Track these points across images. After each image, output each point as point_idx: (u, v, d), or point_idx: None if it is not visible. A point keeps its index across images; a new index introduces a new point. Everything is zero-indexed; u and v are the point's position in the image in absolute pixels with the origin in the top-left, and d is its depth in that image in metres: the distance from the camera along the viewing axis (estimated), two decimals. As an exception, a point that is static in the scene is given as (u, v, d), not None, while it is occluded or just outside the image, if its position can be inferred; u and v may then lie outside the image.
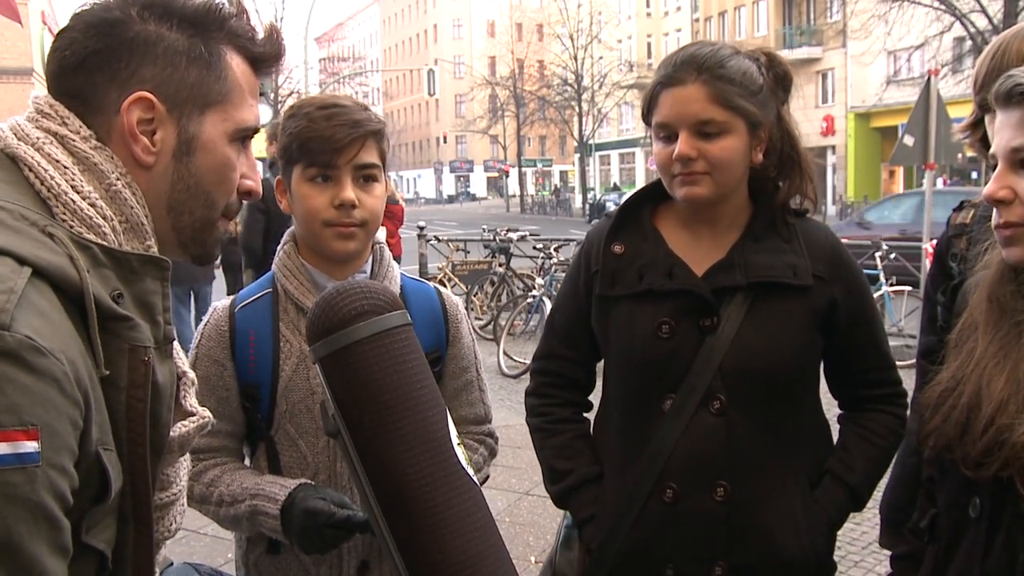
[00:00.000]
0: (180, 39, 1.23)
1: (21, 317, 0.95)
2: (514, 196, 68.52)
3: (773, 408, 2.05)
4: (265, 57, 1.34)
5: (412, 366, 1.26)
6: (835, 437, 2.23)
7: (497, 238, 13.78)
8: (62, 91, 1.21)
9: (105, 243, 1.14)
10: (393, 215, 13.42)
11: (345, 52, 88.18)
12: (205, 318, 2.14)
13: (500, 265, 13.42)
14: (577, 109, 55.87)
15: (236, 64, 1.29)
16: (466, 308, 12.99)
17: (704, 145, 1.96)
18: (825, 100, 44.71)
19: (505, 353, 10.66)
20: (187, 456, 1.37)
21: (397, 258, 11.17)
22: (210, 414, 1.34)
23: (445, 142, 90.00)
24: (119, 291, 1.11)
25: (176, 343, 1.34)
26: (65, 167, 1.15)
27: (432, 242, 14.52)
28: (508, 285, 13.12)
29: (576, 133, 57.10)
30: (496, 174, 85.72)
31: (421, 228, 14.68)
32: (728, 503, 2.00)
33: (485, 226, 16.00)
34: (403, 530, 1.23)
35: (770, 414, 2.05)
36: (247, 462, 2.17)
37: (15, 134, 1.17)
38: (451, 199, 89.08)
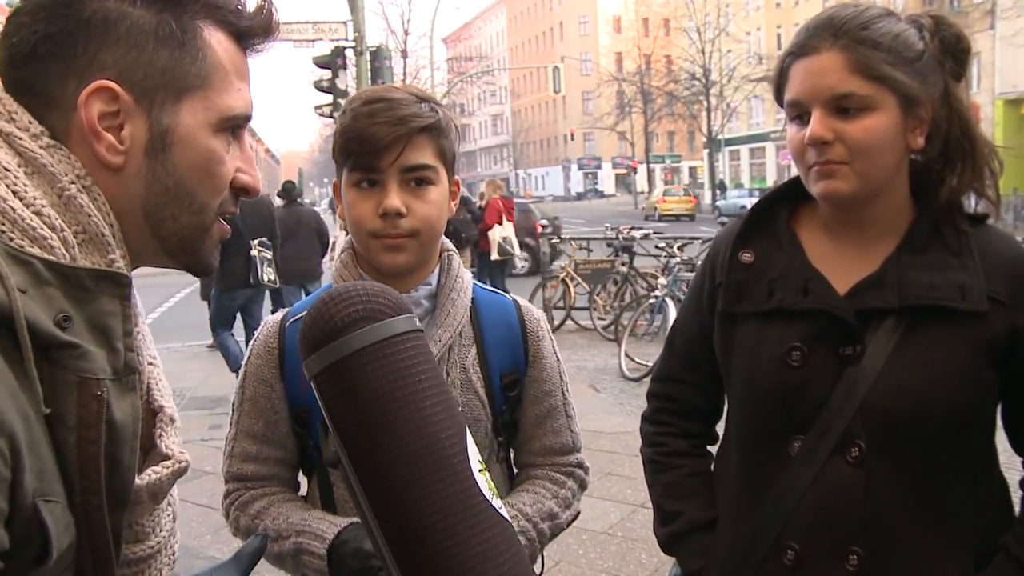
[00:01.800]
0: (146, 16, 1.05)
1: None
2: (643, 193, 67.93)
3: (928, 461, 1.64)
4: (253, 31, 1.16)
5: (420, 379, 1.07)
6: (1016, 504, 1.78)
7: (620, 236, 13.45)
8: (13, 84, 1.05)
9: (51, 257, 0.97)
10: (503, 210, 13.37)
11: (472, 52, 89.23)
12: (256, 334, 1.93)
13: (623, 264, 13.09)
14: (705, 104, 55.13)
15: (217, 41, 1.11)
16: (589, 308, 12.95)
17: (842, 125, 1.60)
18: (971, 86, 42.47)
19: (627, 355, 10.27)
20: (173, 501, 1.21)
21: (486, 253, 11.29)
22: (188, 457, 1.18)
23: (572, 139, 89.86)
24: (66, 314, 0.96)
25: (159, 375, 1.20)
26: (6, 169, 0.98)
27: (555, 241, 14.29)
28: (631, 285, 12.79)
29: (705, 128, 56.29)
30: (624, 170, 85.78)
31: (544, 227, 14.46)
32: (862, 575, 1.63)
33: (608, 224, 15.66)
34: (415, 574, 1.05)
35: (923, 468, 1.65)
36: (304, 490, 1.98)
37: None
38: (579, 196, 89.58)
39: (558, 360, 2.03)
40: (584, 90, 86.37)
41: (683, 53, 57.71)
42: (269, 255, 9.05)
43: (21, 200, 0.97)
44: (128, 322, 1.03)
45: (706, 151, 60.01)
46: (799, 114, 1.66)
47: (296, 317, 1.90)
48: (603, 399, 9.11)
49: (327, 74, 15.72)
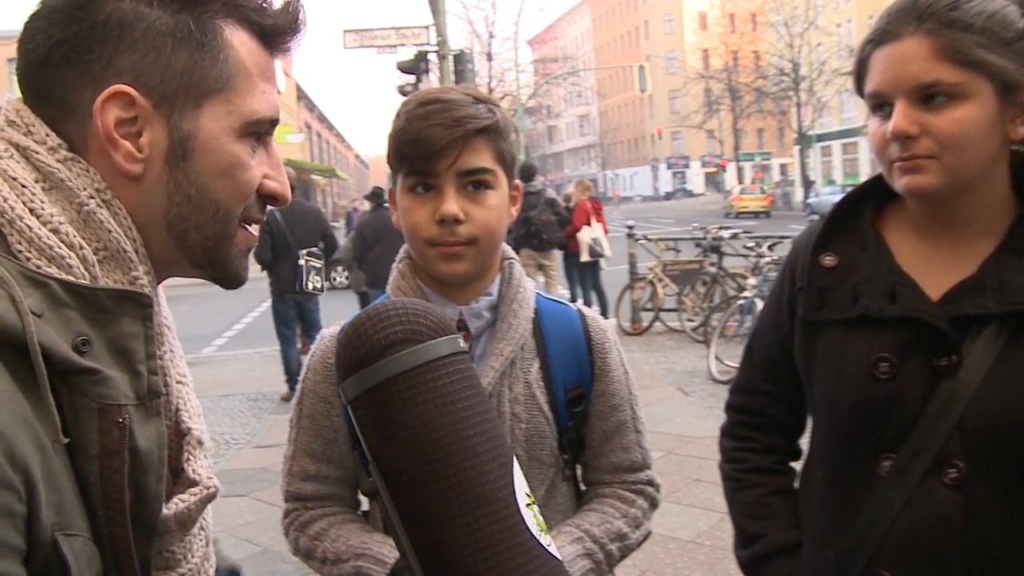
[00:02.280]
0: (163, 17, 1.01)
1: None
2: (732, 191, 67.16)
3: None
4: (278, 29, 1.10)
5: (462, 407, 1.02)
6: None
7: (708, 236, 13.22)
8: (31, 91, 1.02)
9: (69, 277, 0.94)
10: (591, 211, 13.22)
11: (557, 53, 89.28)
12: (312, 348, 1.87)
13: (712, 264, 12.85)
14: (795, 99, 54.09)
15: (240, 42, 1.07)
16: (678, 309, 12.75)
17: (929, 117, 1.46)
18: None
19: (716, 357, 10.07)
20: (207, 525, 1.17)
21: (575, 255, 11.34)
22: (217, 482, 1.13)
23: (660, 138, 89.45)
24: (85, 337, 0.92)
25: (189, 394, 1.16)
26: (23, 186, 0.95)
27: (642, 242, 14.12)
28: (720, 285, 12.54)
29: (795, 124, 55.27)
30: (713, 169, 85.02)
31: (630, 228, 14.29)
32: None
33: (696, 223, 15.42)
34: None
35: None
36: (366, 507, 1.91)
37: None
38: (668, 196, 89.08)
39: (626, 373, 1.91)
40: (671, 88, 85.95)
41: (771, 48, 56.68)
42: (318, 264, 9.56)
43: (38, 218, 0.94)
44: (151, 344, 0.99)
45: (796, 147, 58.95)
46: (881, 104, 1.53)
47: None
48: (692, 403, 8.94)
49: (411, 79, 15.82)
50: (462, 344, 1.06)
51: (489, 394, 1.68)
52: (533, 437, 1.76)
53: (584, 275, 13.55)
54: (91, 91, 0.98)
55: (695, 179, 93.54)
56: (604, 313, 12.90)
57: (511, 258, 1.85)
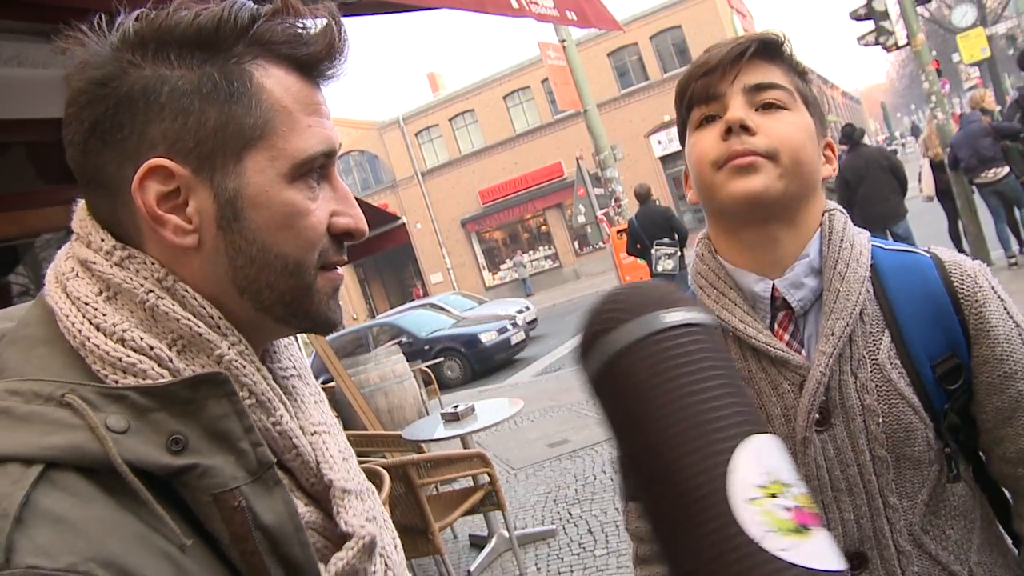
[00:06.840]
0: (186, 75, 0.95)
1: (22, 542, 0.75)
2: None
3: None
4: (316, 58, 1.02)
5: (670, 389, 0.80)
6: None
7: None
8: (84, 179, 0.99)
9: (145, 382, 0.91)
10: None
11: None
12: None
13: None
14: None
15: (275, 81, 0.99)
16: None
17: None
18: None
19: None
20: (392, 563, 1.10)
21: None
22: (372, 528, 1.03)
23: None
24: (176, 435, 0.88)
25: (327, 442, 1.07)
26: (86, 303, 0.95)
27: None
28: None
29: None
30: None
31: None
32: None
33: None
34: None
35: None
36: None
37: (53, 272, 1.00)
38: None
39: (1018, 327, 1.44)
40: None
41: None
42: (669, 250, 12.07)
43: (102, 332, 0.93)
44: (245, 417, 0.93)
45: None
46: None
47: None
48: None
49: (862, 0, 14.84)
50: (686, 315, 0.84)
51: (827, 387, 1.40)
52: (897, 433, 1.39)
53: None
54: (131, 169, 0.95)
55: None
56: None
57: (831, 209, 1.51)
